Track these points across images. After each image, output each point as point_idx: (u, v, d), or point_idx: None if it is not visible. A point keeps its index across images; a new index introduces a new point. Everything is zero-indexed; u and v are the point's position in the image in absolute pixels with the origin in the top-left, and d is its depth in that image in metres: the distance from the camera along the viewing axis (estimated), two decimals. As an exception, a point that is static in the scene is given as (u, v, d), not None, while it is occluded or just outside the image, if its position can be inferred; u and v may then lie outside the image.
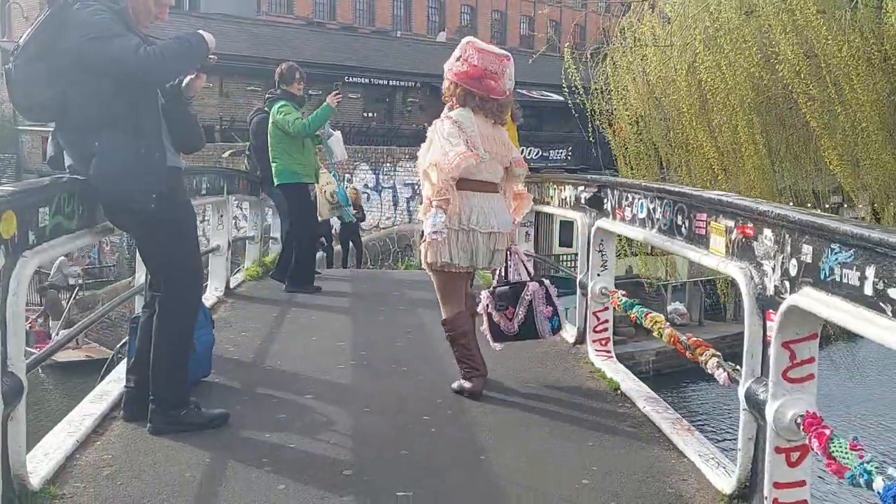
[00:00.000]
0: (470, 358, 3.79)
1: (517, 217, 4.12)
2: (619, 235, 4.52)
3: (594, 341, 4.47)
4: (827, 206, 11.70)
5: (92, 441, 3.09)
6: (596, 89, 11.71)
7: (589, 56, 11.72)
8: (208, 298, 5.72)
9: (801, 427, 2.23)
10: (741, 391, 2.55)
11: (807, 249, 2.24)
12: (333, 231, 12.90)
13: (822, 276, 2.15)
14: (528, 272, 4.19)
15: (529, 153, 24.10)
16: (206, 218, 7.25)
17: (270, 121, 6.47)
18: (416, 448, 3.13)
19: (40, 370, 14.61)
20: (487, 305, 4.09)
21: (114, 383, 3.68)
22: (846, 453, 2.01)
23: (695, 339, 3.21)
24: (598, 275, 4.41)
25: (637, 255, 14.39)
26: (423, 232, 3.75)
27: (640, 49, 11.20)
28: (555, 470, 2.97)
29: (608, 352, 4.44)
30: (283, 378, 4.06)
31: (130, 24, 3.01)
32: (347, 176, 20.05)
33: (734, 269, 2.68)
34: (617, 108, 11.75)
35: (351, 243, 14.11)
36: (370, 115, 30.31)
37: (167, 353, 3.18)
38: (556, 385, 4.03)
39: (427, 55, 30.14)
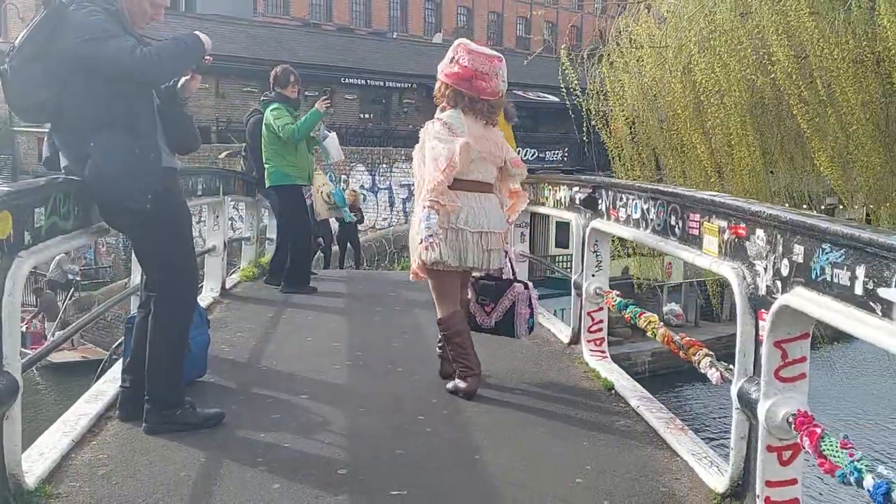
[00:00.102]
0: (465, 357, 3.79)
1: (512, 216, 4.12)
2: (613, 237, 4.53)
3: (589, 341, 4.49)
4: (822, 207, 11.70)
5: (87, 440, 3.09)
6: (592, 90, 11.73)
7: (585, 57, 11.75)
8: (204, 299, 5.73)
9: (793, 426, 2.24)
10: (734, 390, 2.57)
11: (798, 249, 2.25)
12: (333, 232, 12.90)
13: (814, 276, 2.16)
14: (513, 272, 4.21)
15: (526, 154, 24.11)
16: (202, 219, 7.25)
17: (263, 123, 6.48)
18: (411, 448, 3.14)
19: (35, 371, 14.59)
20: (468, 293, 4.11)
21: (109, 383, 3.69)
22: (837, 452, 2.02)
23: (688, 338, 3.23)
24: (593, 275, 4.43)
25: (631, 255, 14.41)
26: (411, 234, 3.75)
27: (636, 50, 11.21)
28: (549, 469, 2.98)
29: (603, 352, 4.46)
30: (279, 378, 4.07)
31: (126, 25, 3.02)
32: (343, 177, 20.03)
33: (727, 270, 2.70)
34: (613, 109, 11.76)
35: (349, 244, 14.12)
36: (366, 116, 30.27)
37: (163, 352, 3.18)
38: (551, 385, 4.04)
39: (423, 56, 30.08)
